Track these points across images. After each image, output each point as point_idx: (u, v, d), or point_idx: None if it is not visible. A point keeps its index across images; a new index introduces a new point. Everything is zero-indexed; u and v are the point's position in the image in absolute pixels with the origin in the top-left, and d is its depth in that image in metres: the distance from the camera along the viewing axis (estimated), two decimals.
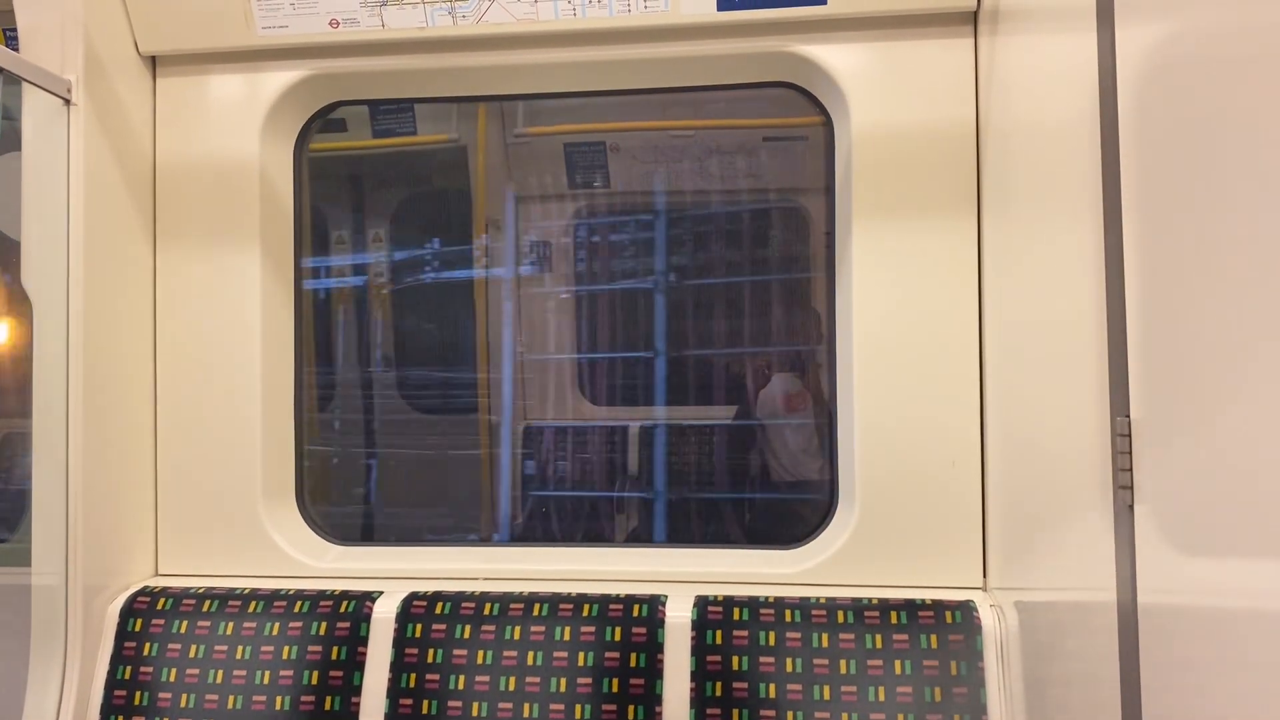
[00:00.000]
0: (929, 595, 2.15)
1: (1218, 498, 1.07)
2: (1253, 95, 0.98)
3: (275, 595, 2.29)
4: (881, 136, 2.25)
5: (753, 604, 2.15)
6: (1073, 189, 1.50)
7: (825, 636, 2.08)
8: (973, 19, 2.23)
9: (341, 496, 4.43)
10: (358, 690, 2.17)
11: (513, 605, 2.21)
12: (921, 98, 2.24)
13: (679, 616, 2.15)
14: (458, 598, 2.23)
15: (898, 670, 2.03)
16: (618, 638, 2.14)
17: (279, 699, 2.17)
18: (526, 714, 2.09)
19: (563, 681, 2.11)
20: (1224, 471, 1.05)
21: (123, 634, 2.27)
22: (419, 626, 2.19)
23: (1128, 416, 1.30)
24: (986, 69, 2.16)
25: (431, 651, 2.17)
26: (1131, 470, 1.29)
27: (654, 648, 2.12)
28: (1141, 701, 1.27)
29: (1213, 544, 1.09)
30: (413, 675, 2.15)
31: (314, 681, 2.18)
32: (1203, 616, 1.11)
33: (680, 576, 2.32)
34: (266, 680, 2.19)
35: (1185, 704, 1.15)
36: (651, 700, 2.08)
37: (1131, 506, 1.29)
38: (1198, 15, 1.11)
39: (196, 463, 2.46)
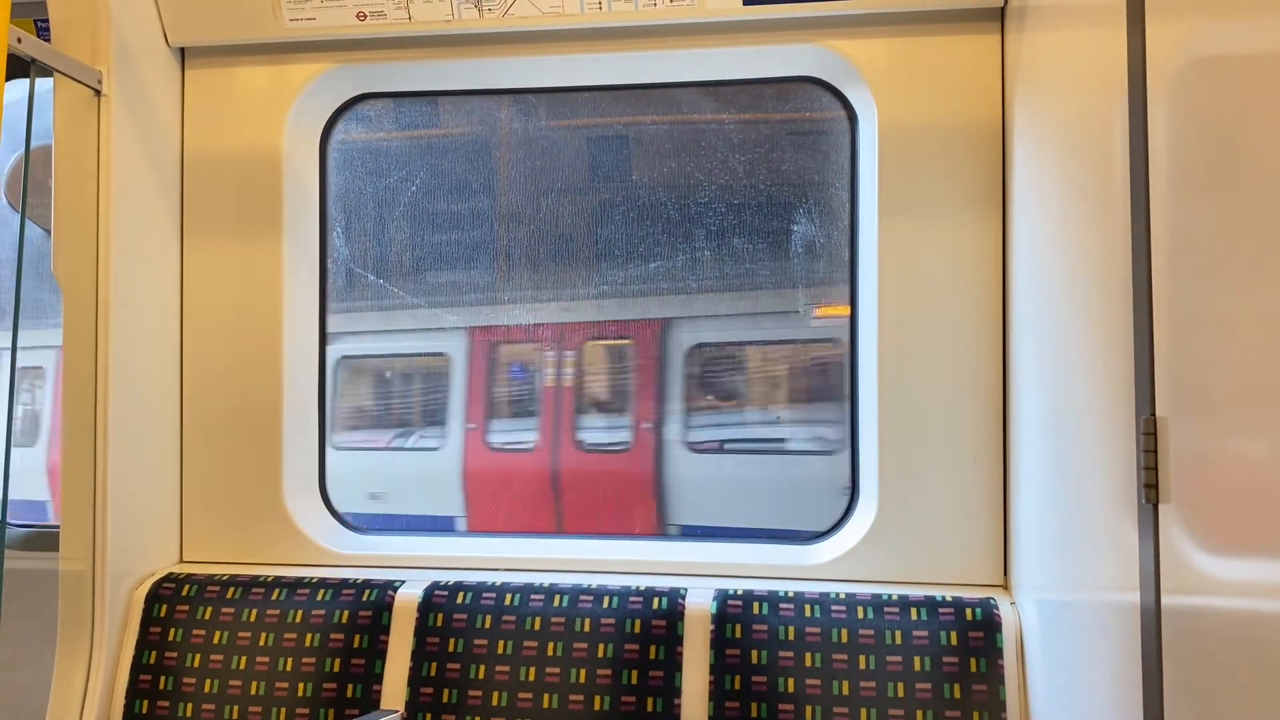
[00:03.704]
0: (949, 592, 2.15)
1: (1245, 498, 1.06)
2: None
3: (298, 583, 2.31)
4: (906, 132, 2.25)
5: (772, 598, 2.15)
6: (1101, 187, 1.50)
7: (845, 631, 2.08)
8: (999, 15, 2.22)
9: None
10: (379, 678, 2.19)
11: (533, 595, 2.22)
12: (947, 94, 2.24)
13: (699, 609, 2.16)
14: (479, 587, 2.25)
15: (917, 666, 2.03)
16: (637, 629, 2.14)
17: (301, 685, 2.20)
18: (546, 704, 2.11)
19: (582, 672, 2.12)
20: (1251, 471, 1.04)
21: (148, 620, 2.30)
22: (440, 616, 2.21)
23: (1154, 415, 1.29)
24: (1013, 66, 2.15)
25: (453, 641, 2.18)
26: (1157, 469, 1.28)
27: (673, 640, 2.13)
28: (1164, 705, 1.27)
29: (1239, 545, 1.08)
30: (434, 664, 2.17)
31: (336, 669, 2.20)
32: (1228, 619, 1.10)
33: (700, 569, 2.33)
34: (289, 667, 2.21)
35: (1209, 708, 1.14)
36: (670, 692, 2.09)
37: (1156, 506, 1.29)
38: (1231, 13, 1.11)
39: (221, 450, 2.49)
